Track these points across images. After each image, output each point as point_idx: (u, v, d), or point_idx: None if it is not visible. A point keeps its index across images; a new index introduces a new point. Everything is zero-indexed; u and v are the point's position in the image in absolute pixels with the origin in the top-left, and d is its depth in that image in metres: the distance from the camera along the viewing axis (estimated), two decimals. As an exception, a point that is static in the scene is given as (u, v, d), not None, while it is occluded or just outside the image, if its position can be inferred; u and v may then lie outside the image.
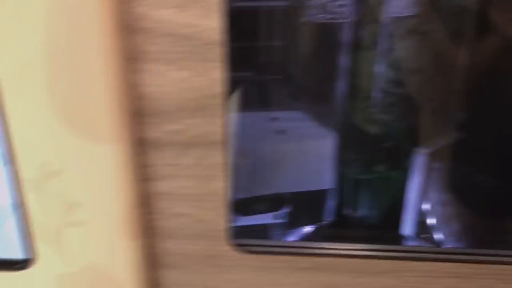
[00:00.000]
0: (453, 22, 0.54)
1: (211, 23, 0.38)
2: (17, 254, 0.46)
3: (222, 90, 0.41)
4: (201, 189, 0.45)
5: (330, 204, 0.60)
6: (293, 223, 0.57)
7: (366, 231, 0.64)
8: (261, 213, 0.55)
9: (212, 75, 0.40)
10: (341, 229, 0.62)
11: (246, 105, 0.54)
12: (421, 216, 0.60)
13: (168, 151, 0.43)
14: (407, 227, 0.61)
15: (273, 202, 0.56)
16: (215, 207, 0.45)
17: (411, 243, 0.62)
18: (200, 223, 0.46)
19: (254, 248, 0.49)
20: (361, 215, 0.63)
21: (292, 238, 0.57)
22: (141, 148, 0.43)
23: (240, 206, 0.54)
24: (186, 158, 0.43)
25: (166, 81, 0.40)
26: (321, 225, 0.59)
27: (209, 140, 0.43)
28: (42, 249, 0.45)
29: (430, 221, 0.59)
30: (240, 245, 0.48)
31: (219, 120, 0.42)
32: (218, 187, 0.45)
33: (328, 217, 0.60)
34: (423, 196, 0.59)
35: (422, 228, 0.60)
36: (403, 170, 0.60)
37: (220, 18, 0.38)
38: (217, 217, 0.46)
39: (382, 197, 0.62)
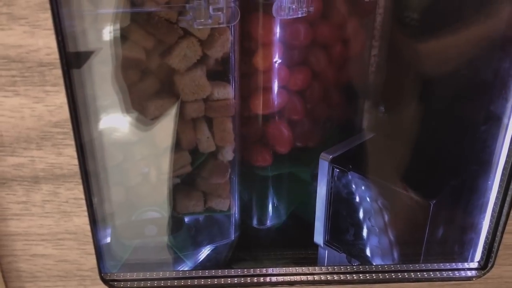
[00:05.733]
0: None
1: (41, 42, 0.33)
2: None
3: (67, 117, 0.36)
4: (58, 227, 0.39)
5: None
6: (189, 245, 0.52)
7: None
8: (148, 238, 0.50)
9: (53, 100, 0.35)
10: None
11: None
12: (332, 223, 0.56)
13: (15, 187, 0.38)
14: (318, 235, 0.58)
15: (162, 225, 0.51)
16: (78, 245, 0.40)
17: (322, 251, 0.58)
18: (64, 263, 0.41)
19: (134, 284, 0.44)
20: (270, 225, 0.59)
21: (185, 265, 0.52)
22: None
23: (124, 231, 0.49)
24: (37, 194, 0.38)
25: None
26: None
27: (59, 174, 0.37)
28: None
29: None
30: (115, 280, 0.43)
31: (69, 151, 0.37)
32: (79, 224, 0.39)
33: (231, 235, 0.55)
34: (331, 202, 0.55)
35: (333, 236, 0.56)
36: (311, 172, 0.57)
37: (51, 36, 0.33)
38: (82, 255, 0.41)
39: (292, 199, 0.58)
